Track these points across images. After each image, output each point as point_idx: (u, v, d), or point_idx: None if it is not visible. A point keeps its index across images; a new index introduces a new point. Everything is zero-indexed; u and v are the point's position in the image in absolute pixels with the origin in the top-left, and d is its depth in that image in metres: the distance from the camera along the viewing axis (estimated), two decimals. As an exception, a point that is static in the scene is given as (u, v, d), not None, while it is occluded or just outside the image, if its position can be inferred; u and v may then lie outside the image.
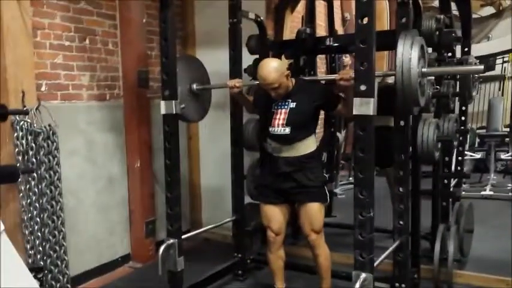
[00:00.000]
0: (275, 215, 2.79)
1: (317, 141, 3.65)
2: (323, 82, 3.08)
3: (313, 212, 2.68)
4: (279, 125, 2.66)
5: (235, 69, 3.23)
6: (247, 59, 3.40)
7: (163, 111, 2.77)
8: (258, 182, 3.02)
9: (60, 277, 2.92)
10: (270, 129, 2.70)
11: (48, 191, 2.86)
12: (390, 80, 2.99)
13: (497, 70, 8.12)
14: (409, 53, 2.12)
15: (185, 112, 2.93)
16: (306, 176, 2.66)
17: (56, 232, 2.90)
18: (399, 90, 2.15)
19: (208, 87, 3.14)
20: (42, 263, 2.83)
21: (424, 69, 2.20)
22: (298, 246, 3.77)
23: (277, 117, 2.68)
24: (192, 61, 3.14)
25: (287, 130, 2.64)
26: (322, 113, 3.06)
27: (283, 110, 2.67)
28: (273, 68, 2.57)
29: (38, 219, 2.83)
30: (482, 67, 2.32)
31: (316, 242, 2.71)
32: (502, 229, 4.14)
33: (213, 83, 3.20)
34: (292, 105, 2.66)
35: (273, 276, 2.93)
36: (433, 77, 2.98)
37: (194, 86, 3.01)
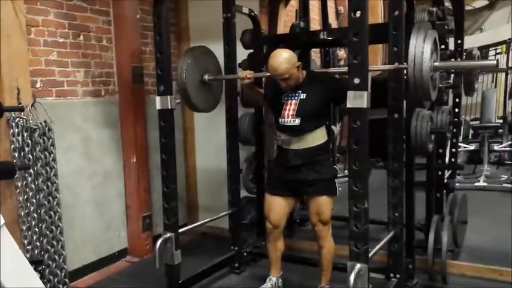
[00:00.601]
0: (277, 207, 2.81)
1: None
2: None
3: (322, 204, 2.70)
4: (289, 116, 2.66)
5: (229, 64, 3.24)
6: (241, 54, 3.41)
7: (158, 106, 2.78)
8: (268, 174, 3.04)
9: (58, 272, 2.94)
10: (280, 120, 2.71)
11: (44, 187, 2.87)
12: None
13: (490, 61, 8.13)
14: (421, 46, 2.11)
15: (197, 102, 2.97)
16: (315, 170, 2.67)
17: (53, 227, 2.92)
18: (411, 84, 2.16)
19: (219, 78, 3.15)
20: (40, 257, 2.85)
21: (436, 63, 2.20)
22: (294, 239, 3.80)
23: (287, 108, 2.68)
24: (205, 52, 3.12)
25: (296, 121, 2.65)
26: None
27: (293, 101, 2.68)
28: (284, 58, 2.57)
29: (35, 215, 2.85)
30: (495, 62, 2.31)
31: (322, 233, 2.73)
32: (496, 220, 4.19)
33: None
34: (303, 96, 2.67)
35: (269, 265, 2.96)
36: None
37: (206, 77, 3.02)
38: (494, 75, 8.10)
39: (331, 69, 2.77)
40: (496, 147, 6.63)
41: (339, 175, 2.83)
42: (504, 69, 7.48)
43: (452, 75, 3.86)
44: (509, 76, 7.35)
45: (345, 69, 2.48)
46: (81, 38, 3.40)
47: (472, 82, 3.55)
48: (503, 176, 5.90)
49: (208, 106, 3.18)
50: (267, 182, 3.01)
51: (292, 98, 2.69)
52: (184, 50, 2.87)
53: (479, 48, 7.77)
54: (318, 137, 2.69)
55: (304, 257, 3.30)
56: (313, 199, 2.71)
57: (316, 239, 2.78)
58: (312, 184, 2.69)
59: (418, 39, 2.14)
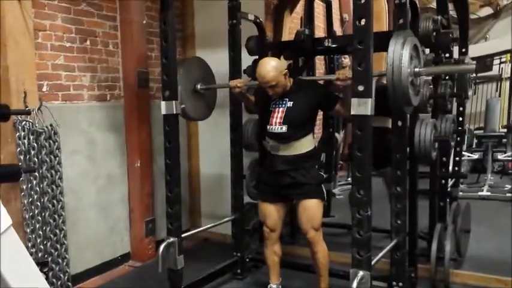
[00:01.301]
0: (271, 212, 2.86)
1: (315, 141, 3.67)
2: (321, 82, 3.11)
3: (311, 208, 2.72)
4: (276, 124, 2.70)
5: (234, 70, 3.26)
6: (246, 60, 3.43)
7: (163, 111, 2.80)
8: (257, 180, 3.06)
9: (61, 275, 2.95)
10: (268, 127, 2.75)
11: (49, 190, 2.89)
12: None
13: (495, 71, 8.15)
14: (399, 51, 2.13)
15: (190, 111, 3.00)
16: (301, 175, 2.71)
17: (57, 230, 2.93)
18: (390, 89, 2.18)
19: (211, 87, 3.19)
20: (46, 259, 2.86)
21: (416, 69, 2.22)
22: (296, 246, 3.80)
23: (275, 115, 2.72)
24: (197, 62, 3.20)
25: (284, 128, 2.68)
26: (320, 113, 3.08)
27: (281, 109, 2.72)
28: (272, 66, 2.62)
29: (40, 218, 2.86)
30: (474, 66, 2.34)
31: (314, 239, 2.74)
32: (499, 229, 4.17)
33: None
34: (290, 104, 2.71)
35: (269, 272, 2.98)
36: (430, 78, 3.03)
37: (198, 86, 3.07)
38: (499, 84, 8.09)
39: (317, 77, 2.79)
40: (500, 156, 6.62)
41: (340, 183, 2.84)
42: (496, 76, 7.49)
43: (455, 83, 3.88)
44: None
45: (332, 76, 2.55)
46: (88, 42, 3.43)
47: (465, 87, 3.58)
48: (507, 185, 5.88)
49: (201, 115, 3.23)
50: (258, 188, 3.04)
51: (280, 105, 2.74)
52: (178, 61, 2.90)
53: (484, 57, 7.85)
54: (305, 145, 2.73)
55: (305, 263, 3.29)
56: (302, 204, 2.73)
57: (309, 246, 2.79)
58: (298, 188, 2.72)
59: (396, 45, 2.16)
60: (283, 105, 2.72)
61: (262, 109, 2.87)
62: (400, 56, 2.13)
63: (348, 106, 2.16)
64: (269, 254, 2.95)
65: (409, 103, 2.24)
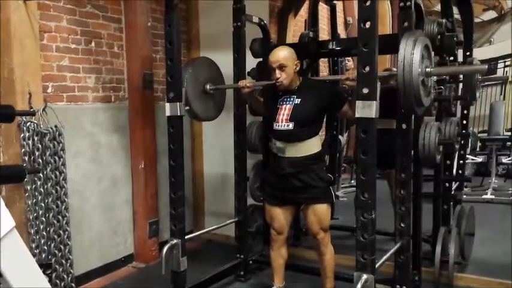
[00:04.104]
0: (278, 215, 2.84)
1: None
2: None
3: (321, 211, 2.72)
4: (283, 121, 2.68)
5: (239, 72, 3.27)
6: (250, 62, 3.43)
7: (168, 113, 2.80)
8: (262, 182, 3.06)
9: (65, 276, 2.96)
10: (274, 125, 2.72)
11: (53, 191, 2.90)
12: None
13: (499, 74, 8.13)
14: (411, 51, 2.12)
15: (199, 111, 3.01)
16: (310, 178, 2.69)
17: (61, 231, 2.94)
18: (401, 89, 2.15)
19: (220, 88, 3.19)
20: (49, 261, 2.87)
21: (428, 69, 2.20)
22: (300, 248, 3.80)
23: (282, 112, 2.71)
24: (206, 62, 3.19)
25: (290, 126, 2.66)
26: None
27: (288, 106, 2.70)
28: (287, 49, 2.72)
29: (44, 219, 2.87)
30: (486, 66, 2.32)
31: (324, 241, 2.76)
32: (503, 233, 4.16)
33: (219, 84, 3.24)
34: (297, 101, 2.70)
35: (272, 274, 2.96)
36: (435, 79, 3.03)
37: (207, 87, 3.08)
38: (503, 87, 8.08)
39: (326, 77, 2.79)
40: (504, 159, 6.61)
41: (344, 185, 2.85)
42: (503, 77, 7.47)
43: (461, 87, 3.89)
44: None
45: (341, 76, 2.55)
46: (93, 44, 3.44)
47: (473, 88, 3.57)
48: (511, 188, 5.86)
49: (210, 115, 3.23)
50: (264, 191, 3.02)
51: (287, 102, 2.72)
52: (186, 61, 2.90)
53: (488, 61, 7.84)
54: (311, 146, 2.71)
55: (310, 266, 3.29)
56: (311, 208, 2.73)
57: (318, 247, 2.80)
58: (306, 191, 2.70)
59: (407, 45, 2.14)
60: (291, 102, 2.71)
61: (270, 107, 2.84)
62: (411, 55, 2.11)
63: (354, 108, 2.15)
64: (275, 257, 2.92)
65: (420, 103, 2.21)
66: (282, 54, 2.66)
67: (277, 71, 2.66)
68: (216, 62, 3.25)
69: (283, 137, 2.70)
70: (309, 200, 2.72)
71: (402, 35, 2.55)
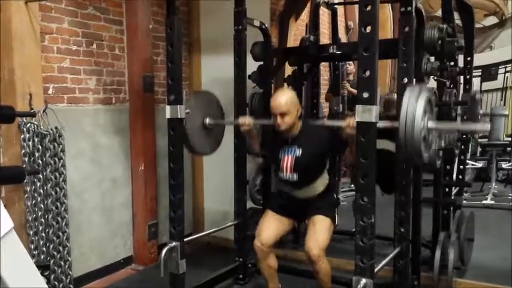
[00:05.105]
0: (271, 225, 2.83)
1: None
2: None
3: (321, 226, 2.70)
4: (287, 171, 2.72)
5: (239, 76, 3.27)
6: (251, 66, 3.43)
7: (168, 115, 2.80)
8: (271, 196, 3.07)
9: (63, 278, 2.95)
10: (280, 173, 2.77)
11: (53, 192, 2.89)
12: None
13: (500, 79, 8.15)
14: (414, 106, 2.07)
15: (197, 146, 3.02)
16: (317, 201, 2.77)
17: (60, 233, 2.93)
18: (402, 143, 2.12)
19: (219, 123, 3.18)
20: (47, 262, 2.86)
21: (429, 124, 2.16)
22: (299, 250, 3.79)
23: (285, 164, 2.73)
24: (207, 96, 3.20)
25: (295, 176, 2.71)
26: (323, 117, 3.06)
27: (290, 157, 2.72)
28: (289, 95, 2.67)
29: (43, 220, 2.87)
30: (488, 127, 2.24)
31: (318, 258, 2.62)
32: (503, 238, 4.15)
33: (218, 90, 3.23)
34: (298, 152, 2.71)
35: (267, 282, 2.94)
36: (435, 87, 3.04)
37: (207, 121, 3.06)
38: (503, 93, 8.08)
39: (326, 122, 2.76)
40: (504, 165, 6.60)
41: (344, 189, 2.85)
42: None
43: (461, 93, 3.89)
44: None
45: (341, 122, 2.50)
46: (94, 46, 3.45)
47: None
48: (511, 194, 5.85)
49: (208, 150, 3.22)
50: (269, 200, 3.02)
51: (289, 153, 2.73)
52: (188, 95, 2.88)
53: (489, 66, 7.85)
54: (320, 185, 2.78)
55: (308, 269, 3.28)
56: (313, 219, 2.73)
57: (312, 265, 2.67)
58: (313, 208, 2.75)
59: (410, 99, 2.10)
60: (292, 153, 2.72)
61: (271, 155, 2.89)
62: (414, 110, 2.07)
63: (355, 152, 2.15)
64: (264, 268, 2.88)
65: (420, 158, 2.17)
66: (283, 102, 2.61)
67: (278, 118, 2.64)
68: (217, 65, 3.26)
69: (290, 184, 2.76)
70: (311, 213, 2.74)
71: (403, 40, 2.57)
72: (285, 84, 4.06)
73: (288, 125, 2.65)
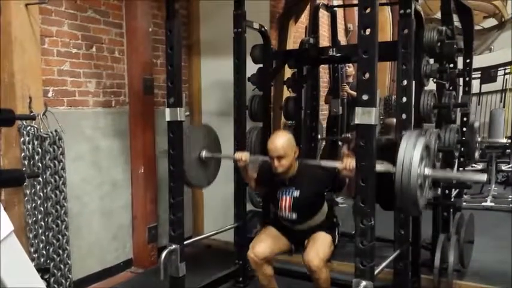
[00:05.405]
0: (267, 240, 2.83)
1: (319, 150, 3.65)
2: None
3: (322, 240, 2.71)
4: (286, 210, 2.75)
5: (239, 78, 3.27)
6: (251, 68, 3.44)
7: (168, 118, 2.81)
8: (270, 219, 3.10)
9: (63, 281, 2.95)
10: (278, 212, 2.80)
11: (53, 195, 2.89)
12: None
13: (499, 81, 8.15)
14: (411, 153, 2.09)
15: (192, 178, 3.02)
16: (318, 225, 2.79)
17: (60, 236, 2.93)
18: (397, 190, 2.13)
19: (215, 157, 3.19)
20: (47, 265, 2.86)
21: (426, 172, 2.17)
22: (298, 253, 3.78)
23: (283, 204, 2.76)
24: (204, 129, 3.23)
25: (294, 216, 2.74)
26: (323, 119, 3.06)
27: (288, 197, 2.75)
28: (286, 138, 2.68)
29: (43, 223, 2.87)
30: (485, 177, 2.26)
31: (318, 268, 2.59)
32: (503, 240, 4.14)
33: (217, 92, 3.24)
34: (296, 193, 2.73)
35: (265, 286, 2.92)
36: (434, 89, 3.04)
37: (203, 154, 3.07)
38: (503, 94, 8.09)
39: (322, 163, 2.78)
40: (504, 167, 6.60)
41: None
42: None
43: (461, 94, 3.89)
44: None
45: (338, 164, 2.52)
46: (94, 49, 3.45)
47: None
48: (511, 196, 5.85)
49: (203, 182, 3.25)
50: (270, 217, 3.03)
51: (286, 194, 2.76)
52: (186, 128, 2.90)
53: (488, 68, 7.86)
54: (319, 217, 2.81)
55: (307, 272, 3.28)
56: (312, 237, 2.74)
57: (312, 274, 2.65)
58: (313, 231, 2.77)
59: (407, 146, 2.12)
60: (290, 194, 2.74)
61: (269, 193, 2.93)
62: (410, 157, 2.09)
63: (352, 189, 2.17)
64: (260, 277, 2.85)
65: (416, 206, 2.19)
66: (280, 145, 2.62)
67: (275, 161, 2.65)
68: (216, 68, 3.26)
69: (289, 221, 2.79)
70: (311, 234, 2.76)
71: (402, 42, 2.58)
72: (284, 86, 4.06)
73: (285, 168, 2.66)
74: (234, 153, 3.05)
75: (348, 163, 2.40)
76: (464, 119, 3.95)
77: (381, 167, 2.18)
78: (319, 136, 4.30)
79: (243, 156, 2.90)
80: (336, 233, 2.81)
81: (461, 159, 3.95)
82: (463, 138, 3.60)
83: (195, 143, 3.03)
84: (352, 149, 4.50)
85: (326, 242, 2.71)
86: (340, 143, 5.18)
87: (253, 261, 2.77)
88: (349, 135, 4.71)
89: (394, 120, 2.81)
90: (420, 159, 2.09)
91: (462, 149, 3.92)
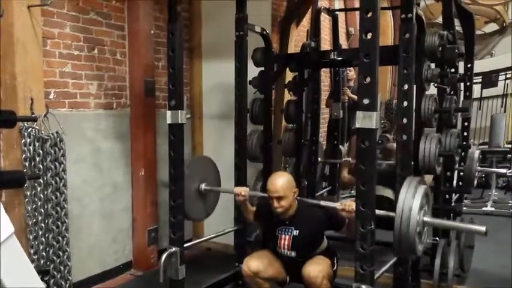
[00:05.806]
0: (263, 257, 2.84)
1: (320, 153, 3.65)
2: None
3: (321, 259, 2.73)
4: (285, 248, 2.77)
5: (240, 81, 3.27)
6: (252, 71, 3.44)
7: (169, 120, 2.80)
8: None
9: (63, 283, 2.94)
10: (277, 249, 2.80)
11: (53, 197, 2.89)
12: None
13: (500, 86, 8.15)
14: (410, 201, 2.12)
15: (191, 211, 3.02)
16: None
17: (60, 238, 2.93)
18: (396, 237, 2.16)
19: (214, 190, 3.19)
20: (46, 267, 2.85)
21: (425, 219, 2.19)
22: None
23: (282, 242, 2.77)
24: (204, 161, 3.25)
25: (293, 254, 2.76)
26: (324, 123, 3.06)
27: (287, 236, 2.76)
28: (285, 179, 2.70)
29: (43, 225, 2.86)
30: (484, 229, 2.28)
31: (316, 279, 2.61)
32: (503, 245, 4.14)
33: (218, 95, 3.24)
34: (295, 233, 2.75)
35: None
36: (435, 94, 3.04)
37: (202, 186, 3.08)
38: (504, 99, 8.09)
39: (322, 203, 2.80)
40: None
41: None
42: None
43: (462, 99, 3.90)
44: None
45: (337, 205, 2.54)
46: (96, 51, 3.46)
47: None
48: (511, 201, 5.84)
49: (202, 215, 3.25)
50: (268, 243, 3.02)
51: (285, 233, 2.77)
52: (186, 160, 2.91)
53: (489, 73, 7.86)
54: (318, 252, 2.82)
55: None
56: (311, 259, 2.74)
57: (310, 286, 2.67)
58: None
59: (407, 194, 2.14)
60: (289, 233, 2.76)
61: (268, 232, 2.93)
62: (410, 205, 2.11)
63: (352, 228, 2.17)
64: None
65: (413, 252, 2.21)
66: (279, 186, 2.64)
67: (275, 202, 2.66)
68: (218, 71, 3.26)
69: (288, 258, 2.80)
70: (311, 257, 2.76)
71: (403, 47, 2.58)
72: (285, 89, 4.07)
73: (284, 208, 2.68)
74: (235, 186, 3.08)
75: (347, 205, 2.42)
76: (465, 123, 3.96)
77: (380, 212, 2.20)
78: (319, 159, 4.30)
79: (243, 191, 2.93)
80: (335, 261, 2.82)
81: (460, 183, 4.04)
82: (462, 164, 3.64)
83: (195, 175, 3.04)
84: (352, 172, 4.51)
85: (325, 261, 2.73)
86: (340, 147, 5.18)
87: (247, 274, 2.81)
88: (350, 159, 4.71)
89: (394, 145, 2.83)
90: (420, 207, 2.12)
91: (463, 153, 3.94)
